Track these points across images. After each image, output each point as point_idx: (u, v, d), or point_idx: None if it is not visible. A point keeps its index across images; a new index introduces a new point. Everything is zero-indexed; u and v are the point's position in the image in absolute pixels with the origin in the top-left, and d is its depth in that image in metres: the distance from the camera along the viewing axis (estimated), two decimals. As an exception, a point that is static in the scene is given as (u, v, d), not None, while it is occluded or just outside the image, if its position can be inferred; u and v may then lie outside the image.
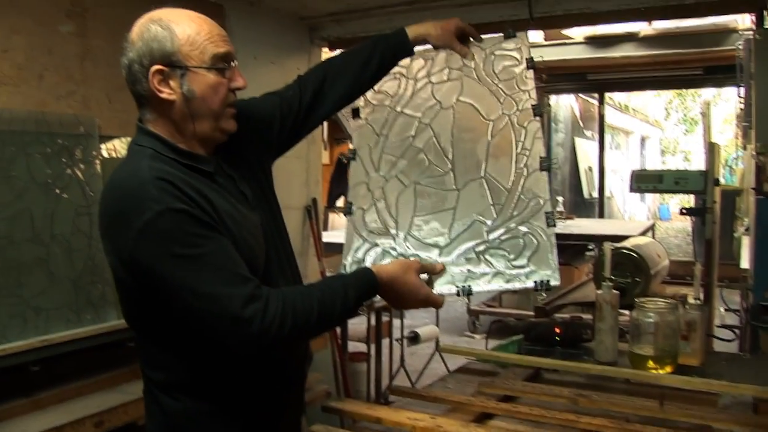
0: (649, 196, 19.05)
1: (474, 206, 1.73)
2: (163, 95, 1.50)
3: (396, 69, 1.94)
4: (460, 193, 1.76)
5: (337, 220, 11.67)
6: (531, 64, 1.93)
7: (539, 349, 2.50)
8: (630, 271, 3.21)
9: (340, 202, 11.85)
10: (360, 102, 1.96)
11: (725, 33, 5.90)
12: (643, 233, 6.25)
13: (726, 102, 19.91)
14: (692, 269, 2.48)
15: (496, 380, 2.16)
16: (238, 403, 1.59)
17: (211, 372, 1.56)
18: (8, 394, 2.53)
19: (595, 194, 10.97)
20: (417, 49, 1.97)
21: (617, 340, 2.38)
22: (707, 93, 17.65)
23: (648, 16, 3.71)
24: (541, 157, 1.76)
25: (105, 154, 2.91)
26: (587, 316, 3.85)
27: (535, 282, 1.63)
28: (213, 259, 1.42)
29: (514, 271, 1.62)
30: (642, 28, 6.20)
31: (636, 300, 2.35)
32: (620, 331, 2.44)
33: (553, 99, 10.70)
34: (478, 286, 1.66)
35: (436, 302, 1.62)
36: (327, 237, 4.92)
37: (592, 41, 6.59)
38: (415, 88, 1.92)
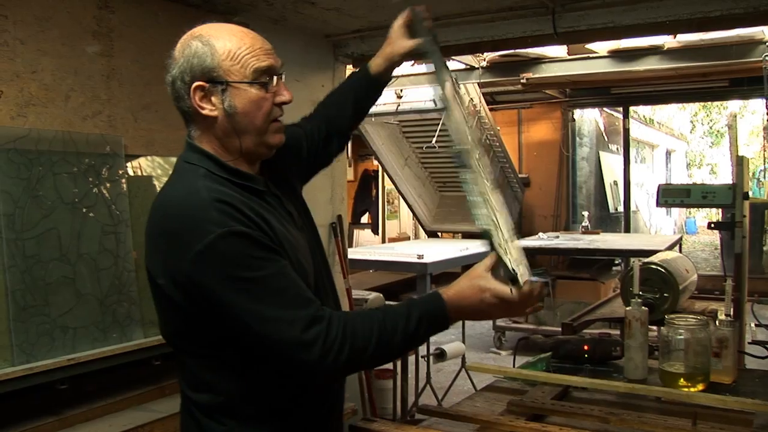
0: (675, 209, 18.87)
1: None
2: (204, 111, 1.49)
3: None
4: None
5: (362, 236, 11.72)
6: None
7: (568, 367, 2.47)
8: (658, 286, 3.16)
9: (364, 218, 11.90)
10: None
11: (751, 44, 5.86)
12: (670, 247, 6.19)
13: (752, 114, 19.74)
14: (720, 284, 2.44)
15: (525, 398, 2.13)
16: (285, 428, 1.56)
17: (261, 395, 1.53)
18: (36, 413, 2.56)
19: (621, 208, 10.87)
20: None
21: (647, 358, 2.35)
22: (733, 105, 17.51)
23: (673, 29, 3.68)
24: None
25: (130, 172, 2.93)
26: (614, 332, 3.81)
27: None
28: (275, 282, 1.40)
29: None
30: (666, 40, 6.16)
31: (666, 317, 2.32)
32: (649, 347, 2.41)
33: (578, 113, 10.66)
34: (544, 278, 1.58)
35: (516, 312, 1.50)
36: (352, 254, 4.91)
37: (616, 55, 6.56)
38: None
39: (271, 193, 1.61)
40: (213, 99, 1.49)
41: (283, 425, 1.56)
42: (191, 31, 1.54)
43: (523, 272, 1.46)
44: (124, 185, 2.88)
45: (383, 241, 10.92)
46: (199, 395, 1.54)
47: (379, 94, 2.02)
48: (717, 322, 2.32)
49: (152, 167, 3.04)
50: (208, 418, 1.53)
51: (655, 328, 2.60)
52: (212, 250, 1.37)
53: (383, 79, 1.98)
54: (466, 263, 6.81)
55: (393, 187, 9.55)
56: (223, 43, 1.49)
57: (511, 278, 1.42)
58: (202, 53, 1.48)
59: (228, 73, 1.48)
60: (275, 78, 1.54)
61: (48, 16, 2.65)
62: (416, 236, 11.22)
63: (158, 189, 2.96)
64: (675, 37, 5.98)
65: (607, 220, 11.41)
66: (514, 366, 2.50)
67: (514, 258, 1.49)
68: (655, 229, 17.81)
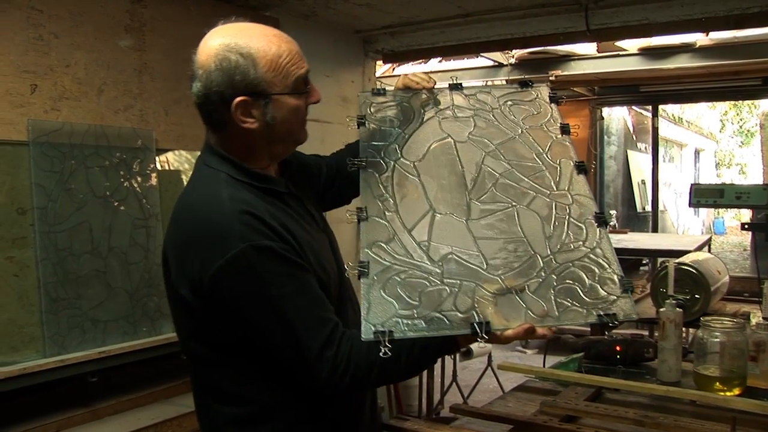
0: (703, 209, 18.67)
1: (516, 239, 1.55)
2: (245, 125, 1.46)
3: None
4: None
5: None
6: (564, 129, 1.81)
7: (600, 368, 2.44)
8: (689, 287, 3.12)
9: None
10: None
11: (786, 42, 5.76)
12: (700, 248, 6.09)
13: (785, 113, 19.46)
14: (751, 285, 2.40)
15: (558, 399, 2.11)
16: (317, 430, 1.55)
17: (292, 401, 1.51)
18: (67, 404, 2.58)
19: (649, 208, 10.77)
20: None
21: (681, 360, 2.31)
22: (765, 104, 17.26)
23: (709, 26, 3.62)
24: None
25: (160, 166, 2.94)
26: (643, 332, 3.77)
27: (599, 315, 1.39)
28: (295, 300, 1.39)
29: (583, 309, 1.39)
30: (698, 38, 6.07)
31: (701, 319, 2.28)
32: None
33: (606, 111, 10.57)
34: (560, 324, 1.41)
35: (521, 338, 1.37)
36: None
37: (646, 52, 6.47)
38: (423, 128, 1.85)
39: (292, 194, 1.59)
40: (254, 112, 1.46)
41: (314, 428, 1.54)
42: (222, 40, 1.46)
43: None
44: (155, 179, 2.89)
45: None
46: (225, 407, 1.51)
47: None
48: (754, 326, 2.27)
49: (179, 162, 3.05)
50: (235, 429, 1.51)
51: (684, 329, 2.57)
52: (234, 264, 1.36)
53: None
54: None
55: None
56: (264, 52, 1.44)
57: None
58: (244, 68, 1.43)
59: (271, 85, 1.45)
60: (309, 84, 1.53)
61: (82, 11, 2.66)
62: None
63: (185, 183, 2.98)
64: (707, 34, 5.89)
65: (634, 220, 11.30)
66: (544, 366, 2.47)
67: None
68: (683, 230, 17.63)
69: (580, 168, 1.70)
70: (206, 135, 1.56)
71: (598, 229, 1.56)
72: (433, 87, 1.91)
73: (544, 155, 1.74)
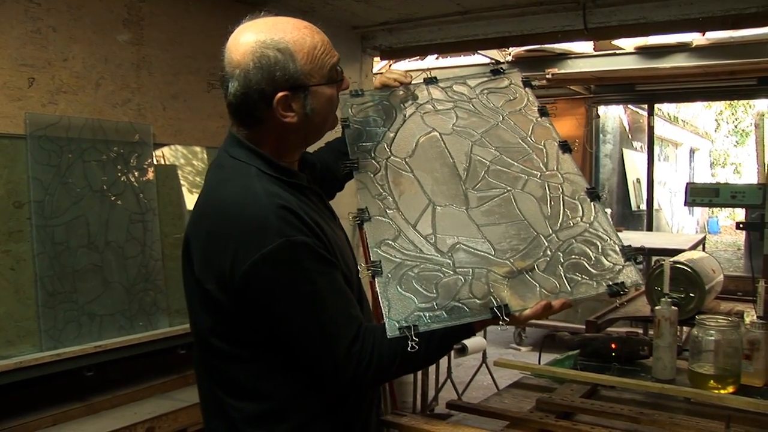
0: (698, 208, 18.72)
1: (516, 229, 1.57)
2: (287, 120, 1.45)
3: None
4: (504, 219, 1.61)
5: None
6: (542, 111, 1.84)
7: (595, 365, 2.45)
8: (684, 286, 3.13)
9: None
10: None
11: (782, 43, 5.78)
12: (694, 247, 6.11)
13: (780, 114, 19.51)
14: (744, 285, 2.41)
15: (554, 396, 2.12)
16: (333, 428, 1.54)
17: (310, 397, 1.50)
18: (64, 398, 2.58)
19: (643, 206, 10.80)
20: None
21: (675, 358, 2.32)
22: (761, 104, 17.30)
23: (706, 26, 3.63)
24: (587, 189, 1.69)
25: (157, 161, 2.94)
26: (638, 330, 3.78)
27: (608, 285, 1.44)
28: (326, 298, 1.40)
29: (594, 281, 1.45)
30: (695, 38, 6.09)
31: (696, 317, 2.29)
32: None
33: (602, 110, 10.58)
34: (575, 298, 1.46)
35: (541, 315, 1.41)
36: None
37: (643, 51, 6.48)
38: (404, 119, 1.85)
39: (313, 190, 1.59)
40: (294, 105, 1.46)
41: (331, 425, 1.53)
42: (257, 37, 1.44)
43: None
44: (152, 174, 2.88)
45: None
46: (243, 404, 1.49)
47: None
48: (748, 324, 2.28)
49: (177, 156, 3.05)
50: (253, 427, 1.48)
51: (679, 327, 2.57)
52: (269, 259, 1.35)
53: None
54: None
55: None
56: (299, 46, 1.44)
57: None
58: (283, 63, 1.42)
59: (309, 76, 1.45)
60: (341, 70, 1.54)
61: (80, 5, 2.66)
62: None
63: (182, 178, 2.98)
64: (704, 34, 5.90)
65: (629, 218, 11.32)
66: (539, 363, 2.47)
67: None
68: (678, 228, 17.67)
69: (564, 147, 1.75)
70: (231, 127, 1.55)
71: (592, 204, 1.61)
72: (410, 83, 1.94)
73: (528, 138, 1.77)
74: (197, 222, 1.51)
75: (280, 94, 1.43)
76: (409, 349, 1.32)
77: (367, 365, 1.39)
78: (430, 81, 1.97)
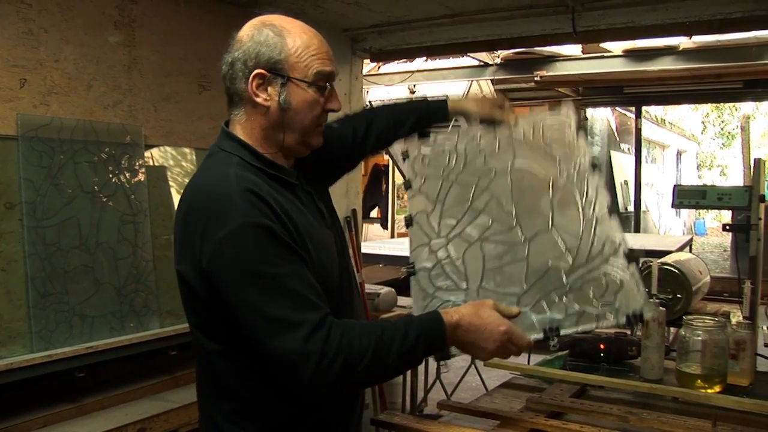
0: (684, 210, 18.82)
1: (547, 254, 1.62)
2: (258, 99, 1.49)
3: (446, 145, 1.92)
4: (530, 244, 1.66)
5: (372, 230, 11.71)
6: (593, 159, 1.82)
7: (584, 365, 2.47)
8: (671, 287, 3.17)
9: (374, 213, 11.89)
10: (412, 151, 1.93)
11: (767, 46, 5.83)
12: (681, 248, 6.17)
13: (765, 116, 19.66)
14: (730, 286, 2.44)
15: (544, 396, 2.14)
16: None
17: (277, 398, 1.50)
18: (55, 399, 2.58)
19: (631, 208, 10.85)
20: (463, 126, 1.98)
21: (663, 358, 2.35)
22: (746, 107, 17.42)
23: (692, 30, 3.68)
24: (593, 162, 1.72)
25: (148, 162, 2.94)
26: (626, 331, 3.81)
27: (627, 316, 1.47)
28: (288, 282, 1.37)
29: (601, 309, 1.48)
30: (682, 41, 6.14)
31: (684, 318, 2.32)
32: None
33: (590, 112, 10.63)
34: (566, 329, 1.52)
35: (520, 339, 1.42)
36: (362, 248, 4.92)
37: (631, 54, 6.53)
38: (466, 160, 1.88)
39: (303, 189, 1.60)
40: (269, 89, 1.49)
41: (306, 427, 1.54)
42: (262, 17, 1.53)
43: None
44: (144, 175, 2.89)
45: (393, 236, 10.90)
46: (222, 401, 1.52)
47: (429, 126, 2.01)
48: (735, 325, 2.31)
49: (166, 158, 3.05)
50: (229, 423, 1.51)
51: (667, 328, 2.60)
52: (232, 239, 1.36)
53: (448, 119, 1.98)
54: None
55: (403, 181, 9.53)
56: (294, 38, 1.49)
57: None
58: (272, 43, 1.47)
59: (292, 68, 1.48)
60: (331, 85, 1.55)
61: (71, 6, 2.66)
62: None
63: (172, 180, 3.00)
64: (691, 37, 5.95)
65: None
66: (529, 363, 2.49)
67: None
68: (665, 230, 17.76)
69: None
70: (224, 122, 1.59)
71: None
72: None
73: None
74: (178, 210, 1.54)
75: (257, 71, 1.47)
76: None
77: (333, 356, 1.33)
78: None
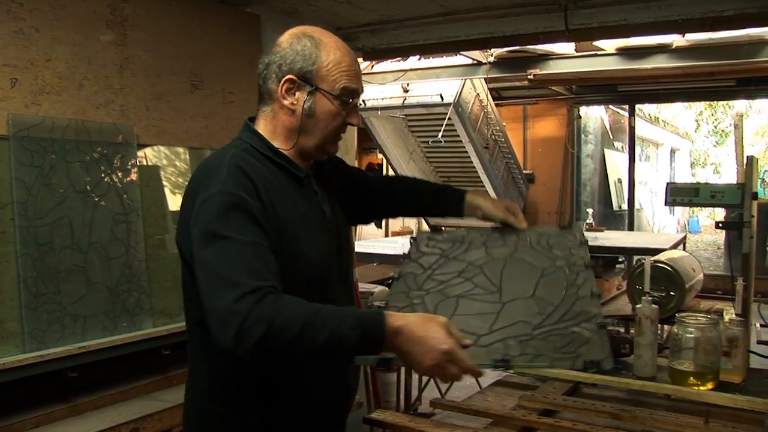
0: (678, 208, 18.86)
1: (519, 313, 1.60)
2: (285, 102, 1.63)
3: (455, 235, 1.98)
4: (505, 305, 1.65)
5: (365, 229, 11.71)
6: (588, 263, 1.83)
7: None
8: (665, 285, 3.18)
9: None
10: (421, 240, 2.01)
11: (759, 44, 5.84)
12: (675, 246, 6.18)
13: (758, 114, 19.71)
14: (724, 283, 2.44)
15: (537, 394, 2.14)
16: (272, 414, 1.62)
17: (242, 379, 1.61)
18: (47, 400, 2.57)
19: (625, 206, 10.89)
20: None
21: (656, 355, 2.35)
22: (739, 105, 17.47)
23: (685, 28, 3.67)
24: (587, 264, 1.74)
25: (141, 162, 2.93)
26: (619, 329, 3.82)
27: (584, 362, 1.42)
28: (240, 248, 1.44)
29: (559, 355, 1.44)
30: (675, 39, 6.14)
31: (676, 315, 2.32)
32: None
33: (583, 110, 10.65)
34: (517, 364, 1.48)
35: (462, 362, 1.37)
36: (356, 247, 4.92)
37: (624, 52, 6.53)
38: (469, 246, 1.91)
39: (311, 187, 1.70)
40: (297, 94, 1.62)
41: (270, 410, 1.61)
42: (305, 27, 1.66)
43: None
44: (136, 175, 2.88)
45: (386, 235, 10.91)
46: (200, 378, 1.66)
47: (443, 216, 2.08)
48: (727, 322, 2.32)
49: (159, 157, 3.04)
50: (208, 400, 1.63)
51: (660, 325, 2.60)
52: (207, 202, 1.49)
53: (460, 214, 2.02)
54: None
55: (397, 181, 9.52)
56: (329, 53, 1.61)
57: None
58: (308, 53, 1.60)
59: (321, 80, 1.61)
60: (354, 101, 1.65)
61: (63, 5, 2.65)
62: (419, 230, 11.21)
63: (165, 179, 3.00)
64: (684, 35, 5.96)
65: (610, 218, 11.40)
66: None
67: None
68: (659, 228, 17.80)
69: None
70: (248, 118, 1.74)
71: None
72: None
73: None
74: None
75: (289, 76, 1.61)
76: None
77: (257, 320, 1.35)
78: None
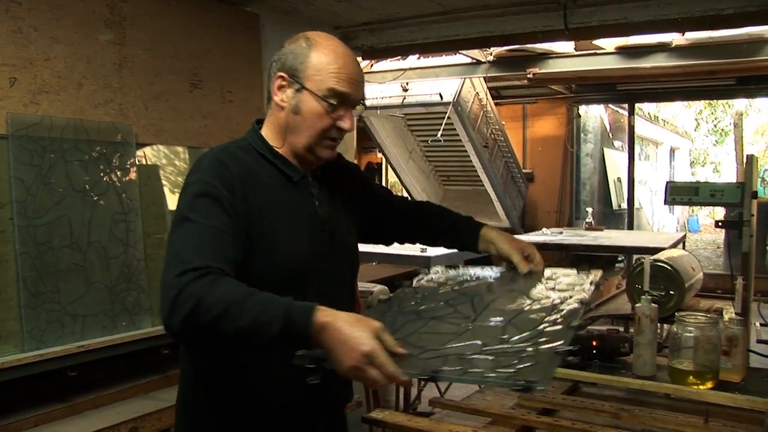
0: (678, 207, 18.86)
1: (481, 336, 1.49)
2: (276, 98, 1.68)
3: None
4: (473, 328, 1.55)
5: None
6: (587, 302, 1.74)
7: (576, 362, 2.47)
8: (664, 284, 3.17)
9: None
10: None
11: (759, 43, 5.84)
12: (674, 245, 6.17)
13: (758, 113, 19.71)
14: (724, 282, 2.44)
15: (535, 393, 2.14)
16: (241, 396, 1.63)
17: (214, 380, 1.65)
18: (46, 399, 2.57)
19: (624, 205, 10.88)
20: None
21: (656, 355, 2.35)
22: (739, 104, 17.47)
23: (685, 26, 3.67)
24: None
25: (139, 161, 2.93)
26: (619, 328, 3.82)
27: (516, 381, 1.27)
28: (200, 231, 1.48)
29: (496, 372, 1.30)
30: (674, 38, 6.14)
31: (676, 314, 2.32)
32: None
33: (583, 109, 10.64)
34: (446, 376, 1.35)
35: (384, 367, 1.29)
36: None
37: (623, 51, 6.53)
38: (468, 280, 1.89)
39: (307, 189, 1.71)
40: (287, 91, 1.66)
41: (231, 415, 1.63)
42: (313, 32, 1.69)
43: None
44: (135, 174, 2.88)
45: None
46: (187, 373, 1.72)
47: (460, 249, 2.08)
48: (727, 320, 2.31)
49: (158, 156, 3.04)
50: (194, 394, 1.69)
51: (659, 325, 2.60)
52: (186, 189, 1.57)
53: (475, 249, 2.01)
54: (469, 257, 6.79)
55: (397, 179, 9.54)
56: (320, 54, 1.63)
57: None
58: (299, 52, 1.64)
59: (308, 79, 1.63)
60: (345, 105, 1.66)
61: (61, 4, 2.65)
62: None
63: (164, 179, 3.00)
64: (683, 34, 5.96)
65: (610, 217, 11.40)
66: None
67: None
68: (658, 227, 17.80)
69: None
70: (256, 119, 1.78)
71: None
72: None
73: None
74: None
75: (279, 73, 1.66)
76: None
77: (188, 296, 1.36)
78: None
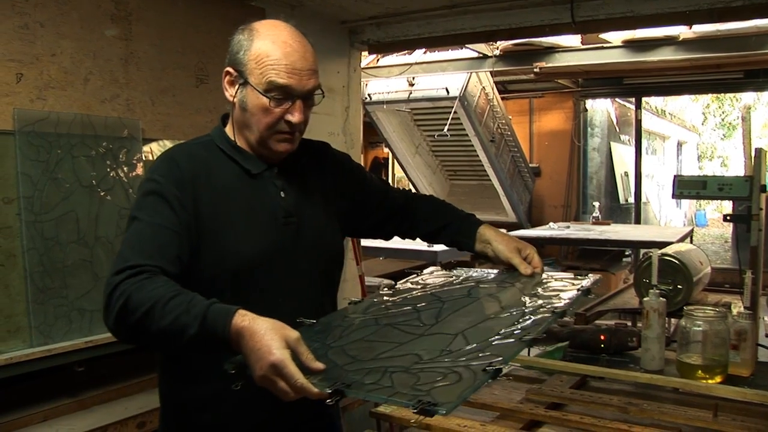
0: (685, 201, 18.79)
1: (423, 347, 1.39)
2: (226, 94, 1.62)
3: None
4: (420, 338, 1.45)
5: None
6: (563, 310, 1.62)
7: (584, 356, 2.47)
8: (672, 278, 3.16)
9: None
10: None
11: (767, 36, 5.80)
12: (682, 239, 6.15)
13: (766, 106, 19.62)
14: (731, 277, 2.43)
15: (544, 387, 2.13)
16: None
17: (180, 392, 1.65)
18: (54, 394, 2.58)
19: (631, 200, 10.83)
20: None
21: (664, 349, 2.34)
22: (747, 97, 17.39)
23: (693, 19, 3.65)
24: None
25: (146, 156, 2.93)
26: (627, 322, 3.81)
27: (421, 401, 1.14)
28: (143, 228, 1.48)
29: (407, 390, 1.19)
30: (682, 31, 6.11)
31: (684, 308, 2.31)
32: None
33: (590, 103, 10.61)
34: (351, 392, 1.24)
35: (291, 379, 1.21)
36: (362, 241, 4.91)
37: (630, 45, 6.50)
38: (462, 282, 1.83)
39: (271, 181, 1.66)
40: (236, 86, 1.61)
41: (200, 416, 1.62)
42: (255, 22, 1.61)
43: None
44: (141, 169, 2.88)
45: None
46: (165, 367, 1.72)
47: (459, 249, 1.99)
48: (735, 315, 2.30)
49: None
50: (172, 386, 1.69)
51: (667, 319, 2.59)
52: (139, 189, 1.58)
53: (471, 249, 1.92)
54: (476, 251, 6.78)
55: (403, 174, 9.54)
56: (260, 45, 1.56)
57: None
58: (240, 45, 1.58)
59: (249, 73, 1.57)
60: (291, 98, 1.57)
61: (67, 0, 2.65)
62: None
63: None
64: (691, 27, 5.93)
65: (617, 211, 11.36)
66: (529, 355, 2.48)
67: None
68: (665, 221, 17.74)
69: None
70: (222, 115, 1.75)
71: None
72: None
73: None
74: None
75: (227, 68, 1.61)
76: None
77: (119, 296, 1.35)
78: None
